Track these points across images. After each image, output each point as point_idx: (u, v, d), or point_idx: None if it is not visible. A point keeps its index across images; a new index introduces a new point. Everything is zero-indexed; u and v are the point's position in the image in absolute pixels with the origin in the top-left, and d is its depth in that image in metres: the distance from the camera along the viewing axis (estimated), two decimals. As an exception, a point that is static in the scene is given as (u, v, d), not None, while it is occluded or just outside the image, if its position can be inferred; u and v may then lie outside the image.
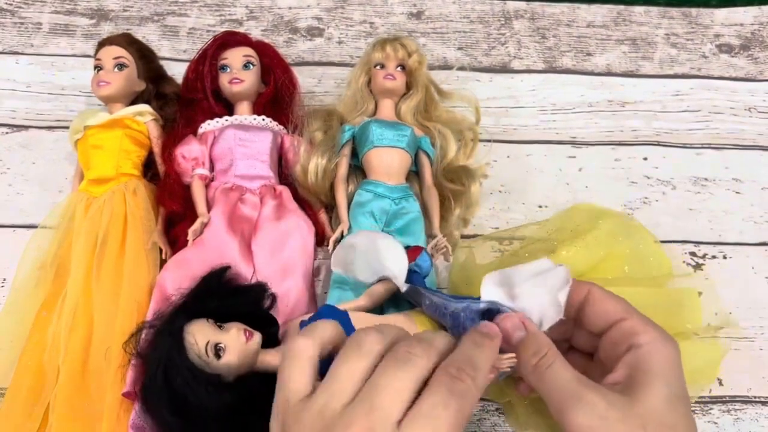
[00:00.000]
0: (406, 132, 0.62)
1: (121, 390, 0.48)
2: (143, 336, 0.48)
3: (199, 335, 0.45)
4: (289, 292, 0.55)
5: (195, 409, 0.43)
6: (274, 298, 0.52)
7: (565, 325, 0.39)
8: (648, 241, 0.59)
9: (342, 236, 0.58)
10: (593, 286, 0.38)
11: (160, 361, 0.44)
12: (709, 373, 0.54)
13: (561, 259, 0.55)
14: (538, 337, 0.36)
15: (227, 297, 0.49)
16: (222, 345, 0.44)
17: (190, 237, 0.56)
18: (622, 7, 0.86)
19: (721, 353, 0.54)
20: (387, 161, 0.60)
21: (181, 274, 0.53)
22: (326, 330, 0.34)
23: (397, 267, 0.49)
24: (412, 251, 0.52)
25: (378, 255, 0.49)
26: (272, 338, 0.50)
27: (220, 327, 0.46)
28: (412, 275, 0.50)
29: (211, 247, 0.55)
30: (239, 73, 0.62)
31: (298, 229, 0.58)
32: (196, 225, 0.56)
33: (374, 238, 0.51)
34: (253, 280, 0.55)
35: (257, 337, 0.46)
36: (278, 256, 0.57)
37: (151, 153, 0.63)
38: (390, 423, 0.27)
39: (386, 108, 0.64)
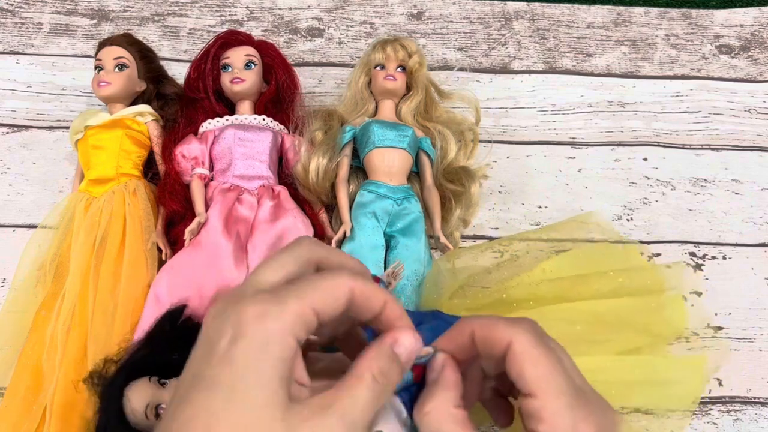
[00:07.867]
0: (407, 132, 0.62)
1: None
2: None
3: (138, 400, 0.45)
4: None
5: None
6: None
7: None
8: (639, 259, 0.59)
9: (344, 237, 0.58)
10: (520, 335, 0.30)
11: (103, 424, 0.45)
12: (693, 387, 0.53)
13: (547, 266, 0.56)
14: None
15: (175, 346, 0.48)
16: (163, 405, 0.45)
17: (186, 236, 0.56)
18: (622, 8, 0.86)
19: (702, 368, 0.53)
20: (388, 162, 0.60)
21: (175, 279, 0.53)
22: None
23: None
24: None
25: None
26: None
27: (162, 385, 0.46)
28: None
29: (205, 250, 0.56)
30: (241, 73, 0.62)
31: (295, 230, 0.58)
32: (193, 225, 0.56)
33: None
34: None
35: None
36: None
37: (151, 153, 0.63)
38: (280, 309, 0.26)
39: (387, 109, 0.64)
